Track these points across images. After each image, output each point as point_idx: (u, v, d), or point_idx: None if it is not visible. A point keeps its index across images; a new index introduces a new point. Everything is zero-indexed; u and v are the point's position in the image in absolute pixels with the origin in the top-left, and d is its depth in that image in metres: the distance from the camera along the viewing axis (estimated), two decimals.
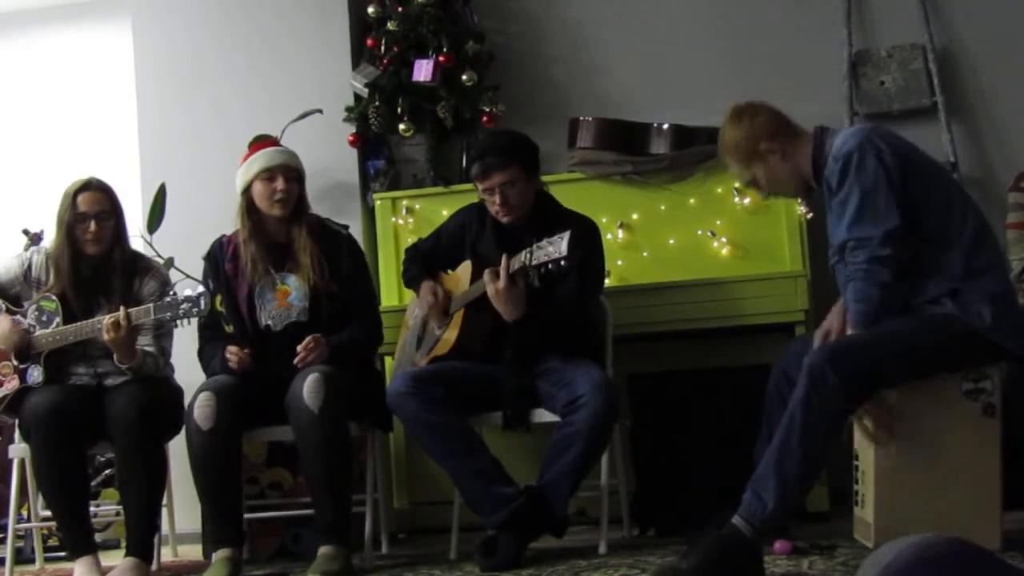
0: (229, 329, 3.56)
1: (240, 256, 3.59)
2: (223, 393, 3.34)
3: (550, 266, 3.15)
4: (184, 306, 3.33)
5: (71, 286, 3.53)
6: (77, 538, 3.39)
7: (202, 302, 3.32)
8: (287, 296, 3.54)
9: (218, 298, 3.57)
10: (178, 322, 3.39)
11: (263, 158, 3.60)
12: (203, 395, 3.33)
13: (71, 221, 3.52)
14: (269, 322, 3.54)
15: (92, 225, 3.52)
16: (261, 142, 3.85)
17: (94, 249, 3.55)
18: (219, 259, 3.64)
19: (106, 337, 3.37)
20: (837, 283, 3.15)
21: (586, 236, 3.41)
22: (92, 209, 3.53)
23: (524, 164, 3.49)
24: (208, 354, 3.59)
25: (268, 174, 3.55)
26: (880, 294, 2.88)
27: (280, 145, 3.83)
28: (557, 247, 3.12)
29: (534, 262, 3.19)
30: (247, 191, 3.59)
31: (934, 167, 3.12)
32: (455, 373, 3.44)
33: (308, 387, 3.28)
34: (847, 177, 2.91)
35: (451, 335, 3.52)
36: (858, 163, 2.91)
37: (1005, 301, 2.94)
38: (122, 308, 3.39)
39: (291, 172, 3.57)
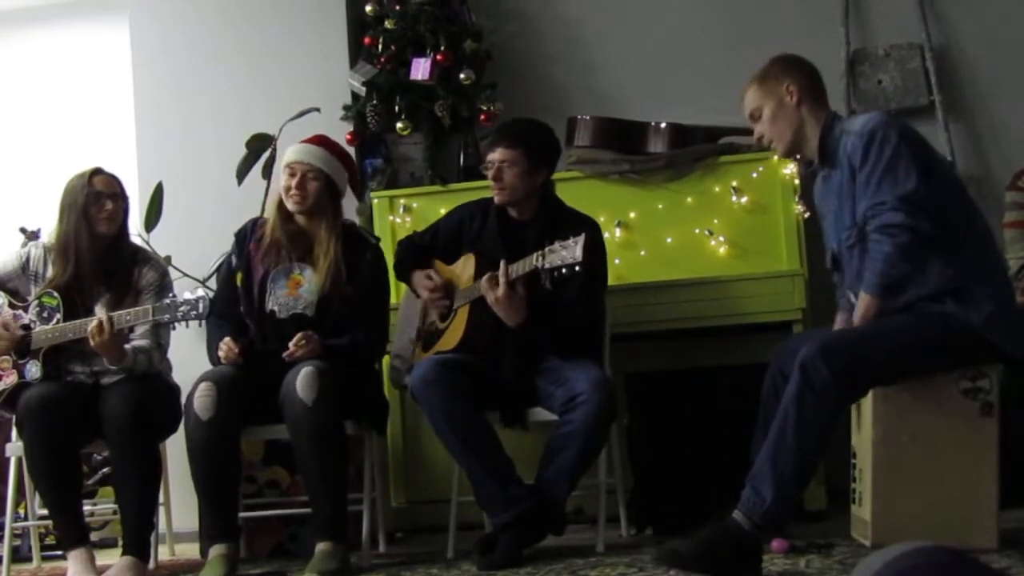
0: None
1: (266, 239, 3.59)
2: (223, 384, 3.32)
3: (564, 270, 3.11)
4: (183, 308, 3.32)
5: (88, 265, 3.53)
6: (68, 530, 3.39)
7: (201, 305, 3.30)
8: (298, 287, 3.53)
9: (239, 275, 3.58)
10: (176, 324, 3.39)
11: (293, 152, 3.61)
12: (203, 385, 3.31)
13: (87, 201, 3.53)
14: (275, 308, 3.53)
15: (109, 204, 3.55)
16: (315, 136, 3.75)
17: (107, 228, 3.56)
18: (247, 237, 3.64)
19: (92, 342, 3.37)
20: (841, 276, 3.14)
21: (595, 239, 3.40)
22: (109, 190, 3.58)
23: (530, 152, 3.49)
24: (212, 340, 3.55)
25: (290, 169, 3.56)
26: (883, 267, 2.85)
27: (316, 142, 3.67)
28: (571, 252, 3.07)
29: (547, 265, 3.14)
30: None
31: (946, 164, 3.12)
32: (472, 366, 3.41)
33: (302, 380, 3.26)
34: (871, 150, 2.91)
35: (457, 330, 3.50)
36: (882, 137, 2.91)
37: (1005, 303, 2.95)
38: (104, 312, 3.39)
39: (312, 171, 3.55)
